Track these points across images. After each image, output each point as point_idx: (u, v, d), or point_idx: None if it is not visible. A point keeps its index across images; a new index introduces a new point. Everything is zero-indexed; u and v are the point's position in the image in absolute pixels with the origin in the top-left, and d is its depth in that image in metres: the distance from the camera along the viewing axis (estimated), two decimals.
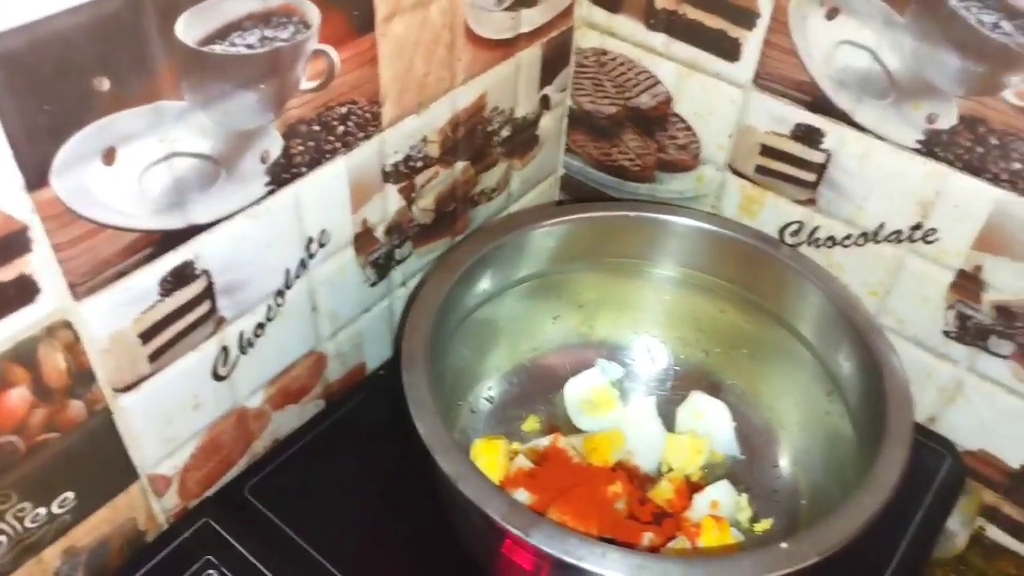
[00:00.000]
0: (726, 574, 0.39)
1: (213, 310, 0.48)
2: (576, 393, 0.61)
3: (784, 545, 0.39)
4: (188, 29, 0.38)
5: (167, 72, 0.39)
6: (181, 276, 0.45)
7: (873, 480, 0.42)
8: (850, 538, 0.40)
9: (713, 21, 0.58)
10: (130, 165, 0.40)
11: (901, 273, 0.58)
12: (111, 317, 0.43)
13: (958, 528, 0.60)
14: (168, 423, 0.49)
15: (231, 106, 0.42)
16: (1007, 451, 0.60)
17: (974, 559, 0.63)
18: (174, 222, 0.43)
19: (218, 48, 0.40)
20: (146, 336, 0.45)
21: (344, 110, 0.49)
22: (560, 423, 0.61)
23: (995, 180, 0.51)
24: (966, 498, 0.61)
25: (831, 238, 0.60)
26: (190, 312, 0.47)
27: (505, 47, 0.59)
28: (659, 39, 0.61)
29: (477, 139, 0.61)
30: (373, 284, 0.60)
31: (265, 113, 0.45)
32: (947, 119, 0.51)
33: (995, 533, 0.64)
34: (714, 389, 0.61)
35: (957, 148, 0.52)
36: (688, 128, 0.64)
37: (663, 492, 0.55)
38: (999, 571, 0.63)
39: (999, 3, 0.46)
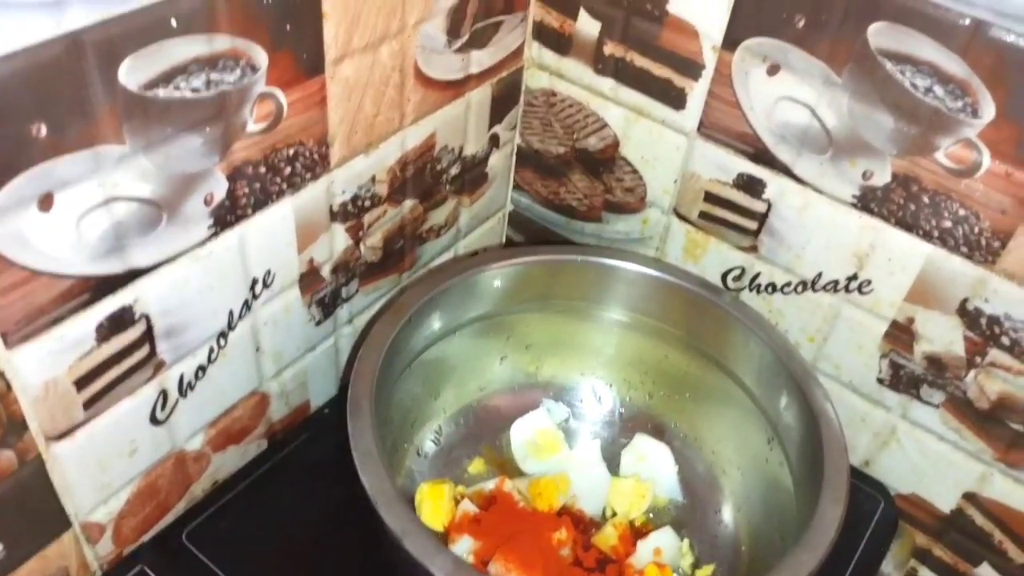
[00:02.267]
0: None
1: (152, 354, 0.47)
2: (522, 435, 0.61)
3: None
4: (131, 73, 0.38)
5: (108, 117, 0.38)
6: (119, 321, 0.44)
7: (810, 537, 0.43)
8: None
9: (660, 70, 0.59)
10: (67, 211, 0.39)
11: (838, 321, 0.60)
12: (45, 365, 0.41)
13: (891, 570, 0.62)
14: (103, 470, 0.48)
15: (174, 149, 0.42)
16: (938, 496, 0.61)
17: None
18: (112, 267, 0.42)
19: (162, 92, 0.40)
20: (81, 383, 0.44)
21: (291, 152, 0.49)
22: (506, 465, 0.61)
23: (927, 236, 0.53)
24: (899, 541, 0.62)
25: (771, 284, 0.62)
26: (127, 357, 0.46)
27: (455, 87, 0.59)
28: (607, 84, 0.62)
29: (426, 178, 0.61)
30: (318, 323, 0.59)
31: (210, 156, 0.44)
32: (882, 176, 0.53)
33: (927, 575, 0.66)
34: (658, 432, 0.62)
35: (891, 204, 0.53)
36: (635, 171, 0.65)
37: (607, 538, 0.55)
38: None
39: (932, 68, 0.48)
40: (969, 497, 0.60)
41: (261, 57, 0.43)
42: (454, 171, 0.64)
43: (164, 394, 0.49)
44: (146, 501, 0.52)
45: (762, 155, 0.57)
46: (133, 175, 0.41)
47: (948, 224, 0.52)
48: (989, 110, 0.47)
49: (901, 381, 0.59)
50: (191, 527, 0.54)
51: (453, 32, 0.55)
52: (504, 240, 0.77)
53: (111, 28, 0.36)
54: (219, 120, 0.43)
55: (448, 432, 0.61)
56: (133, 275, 0.44)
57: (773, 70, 0.54)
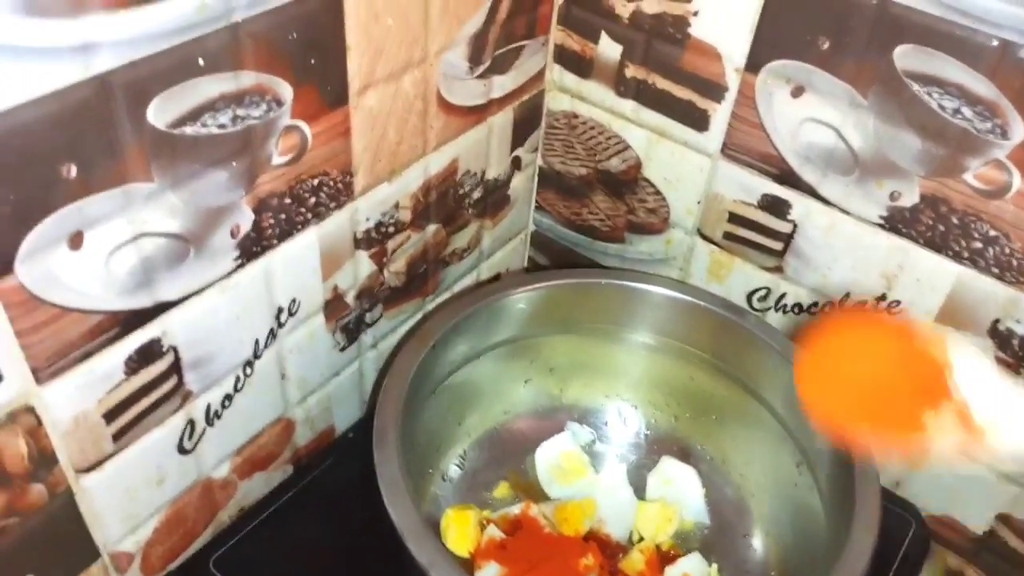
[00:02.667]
0: None
1: (180, 385, 0.47)
2: (547, 459, 0.61)
3: None
4: (159, 113, 0.38)
5: (137, 155, 0.38)
6: (147, 354, 0.44)
7: (843, 567, 0.43)
8: None
9: (682, 92, 0.58)
10: (97, 248, 0.39)
11: None
12: (75, 399, 0.42)
13: None
14: (131, 500, 0.48)
15: (201, 185, 0.42)
16: (970, 517, 0.61)
17: None
18: (141, 301, 0.43)
19: (189, 130, 0.40)
20: (110, 416, 0.44)
21: (316, 182, 0.49)
22: (531, 489, 0.61)
23: (956, 257, 0.52)
24: (931, 562, 0.61)
25: (798, 305, 0.61)
26: (156, 389, 0.46)
27: (477, 112, 0.59)
28: (629, 106, 0.62)
29: (449, 202, 0.61)
30: (343, 348, 0.59)
31: (236, 190, 0.44)
32: (910, 197, 0.52)
33: None
34: (685, 455, 0.62)
35: (919, 225, 0.53)
36: (657, 192, 0.64)
37: (634, 564, 0.55)
38: None
39: (960, 90, 0.47)
40: (1002, 518, 0.59)
41: (286, 91, 0.44)
42: (476, 195, 0.64)
43: (191, 423, 0.50)
44: (173, 529, 0.53)
45: (787, 176, 0.57)
46: (161, 211, 0.41)
47: (978, 245, 0.51)
48: (1019, 131, 0.47)
49: None
50: (218, 554, 0.54)
51: (475, 59, 0.55)
52: (527, 261, 0.77)
53: (139, 69, 0.36)
54: (245, 154, 0.43)
55: (473, 456, 0.61)
56: (161, 308, 0.44)
57: (798, 92, 0.53)
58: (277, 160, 0.46)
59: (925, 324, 0.39)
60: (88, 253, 0.39)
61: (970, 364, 0.39)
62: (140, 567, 0.52)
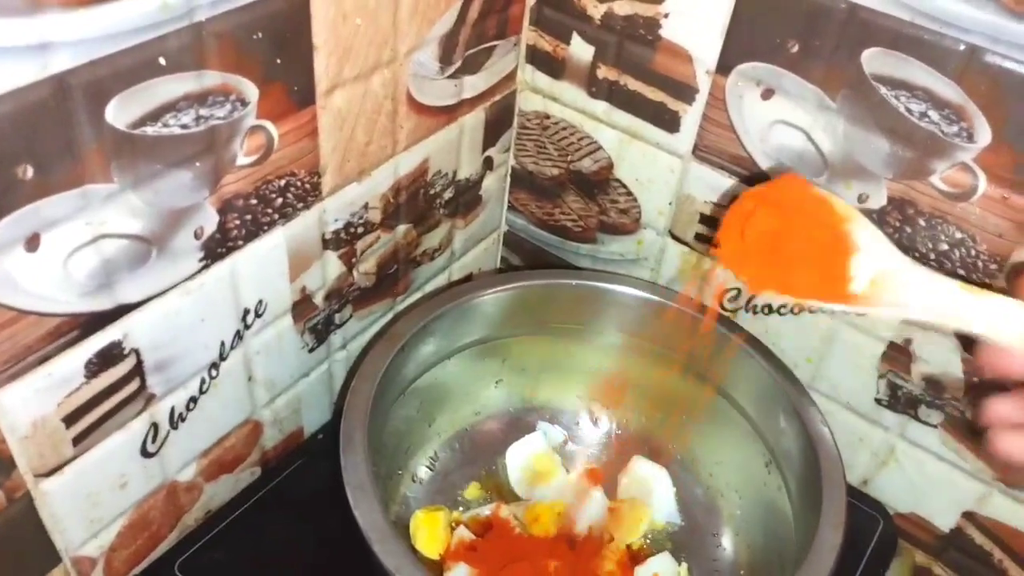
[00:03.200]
0: None
1: (142, 388, 0.47)
2: (518, 460, 0.61)
3: None
4: (119, 113, 0.37)
5: (96, 156, 0.38)
6: (108, 357, 0.44)
7: (810, 564, 0.43)
8: None
9: (653, 93, 0.58)
10: (55, 250, 0.38)
11: (835, 342, 0.59)
12: (33, 403, 0.41)
13: None
14: (93, 504, 0.48)
15: (164, 185, 0.41)
16: (937, 515, 0.61)
17: None
18: (101, 304, 0.42)
19: (150, 130, 0.39)
20: (70, 419, 0.43)
21: (283, 183, 0.48)
22: (502, 489, 0.60)
23: (923, 259, 0.53)
24: (899, 560, 0.62)
25: (768, 306, 0.61)
26: (117, 392, 0.45)
27: (448, 112, 0.59)
28: (601, 107, 0.62)
29: (419, 202, 0.61)
30: (312, 349, 0.59)
31: (199, 191, 0.44)
32: (877, 199, 0.53)
33: None
34: (656, 455, 0.62)
35: (887, 227, 0.53)
36: (629, 193, 0.64)
37: (605, 564, 0.55)
38: None
39: (927, 94, 0.47)
40: (968, 516, 0.60)
41: (251, 91, 0.43)
42: (448, 195, 0.64)
43: (155, 427, 0.49)
44: (138, 533, 0.52)
45: (757, 178, 0.57)
46: (122, 212, 0.40)
47: (945, 247, 0.52)
48: (985, 135, 0.47)
49: (899, 401, 0.59)
50: (184, 558, 0.54)
51: (446, 59, 0.55)
52: (499, 262, 0.76)
53: (98, 69, 0.35)
54: (209, 155, 0.43)
55: (443, 457, 0.61)
56: (123, 310, 0.43)
57: (767, 94, 0.53)
58: (242, 160, 0.45)
59: (837, 199, 0.42)
60: (45, 255, 0.38)
61: (870, 233, 0.42)
62: (103, 572, 0.51)
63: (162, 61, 0.38)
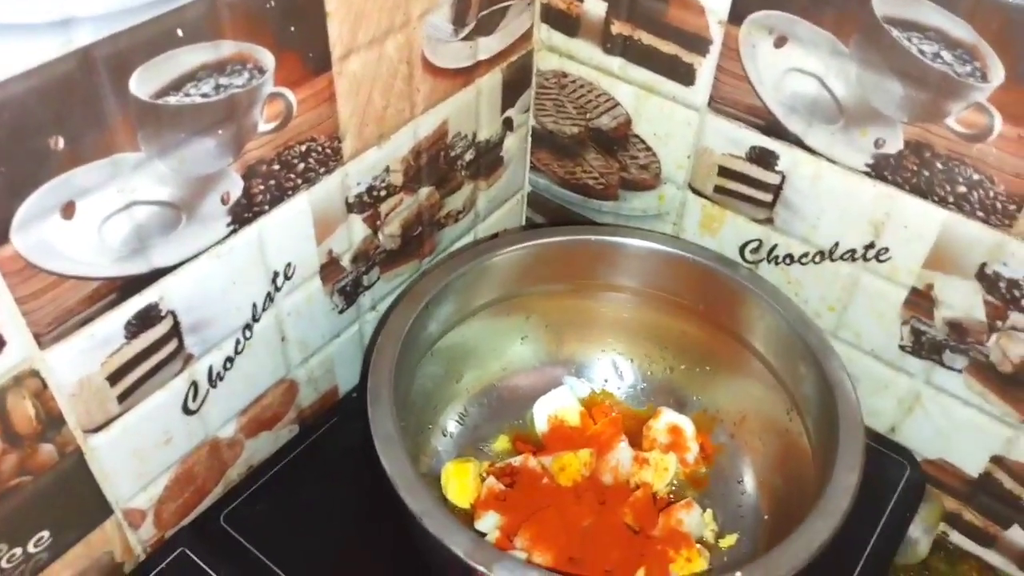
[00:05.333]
0: None
1: (180, 348, 0.49)
2: (545, 412, 0.62)
3: (738, 574, 0.40)
4: (142, 84, 0.39)
5: (122, 126, 0.40)
6: (146, 318, 0.46)
7: (825, 505, 0.44)
8: (801, 566, 0.41)
9: (667, 47, 0.59)
10: (89, 217, 0.40)
11: (857, 290, 0.59)
12: (78, 363, 0.44)
13: (920, 535, 0.62)
14: (140, 459, 0.50)
15: (189, 153, 0.43)
16: (965, 460, 0.61)
17: (937, 564, 0.65)
18: (136, 268, 0.44)
19: (173, 100, 0.41)
20: (114, 378, 0.46)
21: (304, 148, 0.50)
22: (530, 442, 0.62)
23: (942, 202, 0.52)
24: (928, 505, 0.62)
25: (789, 256, 0.62)
26: (157, 352, 0.48)
27: (464, 75, 0.60)
28: (616, 63, 0.62)
29: (440, 165, 0.62)
30: (341, 311, 0.61)
31: (223, 157, 0.46)
32: (894, 144, 0.52)
33: (958, 538, 0.66)
34: (680, 404, 0.63)
35: (904, 172, 0.53)
36: (648, 149, 0.65)
37: (631, 510, 0.56)
38: (961, 575, 0.65)
39: (939, 34, 0.47)
40: (997, 460, 0.60)
41: (268, 59, 0.45)
42: (469, 156, 0.65)
43: (195, 385, 0.52)
44: (184, 487, 0.55)
45: (773, 127, 0.57)
46: (150, 180, 0.42)
47: (963, 189, 0.51)
48: (998, 74, 0.46)
49: (923, 347, 0.59)
50: (228, 510, 0.56)
51: (459, 21, 0.56)
52: (524, 221, 0.77)
53: (119, 42, 0.37)
54: (230, 122, 0.45)
55: (472, 412, 0.63)
56: (157, 274, 0.46)
57: (780, 42, 0.53)
58: (263, 127, 0.47)
59: None
60: (81, 222, 0.40)
61: None
62: (153, 523, 0.54)
63: (180, 32, 0.39)
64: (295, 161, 0.50)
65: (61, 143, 0.37)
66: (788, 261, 0.62)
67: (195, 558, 0.54)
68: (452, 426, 0.62)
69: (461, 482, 0.57)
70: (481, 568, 0.41)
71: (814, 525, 0.43)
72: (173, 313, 0.48)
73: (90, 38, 0.36)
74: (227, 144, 0.45)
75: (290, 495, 0.58)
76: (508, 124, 0.68)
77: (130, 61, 0.38)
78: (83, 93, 0.37)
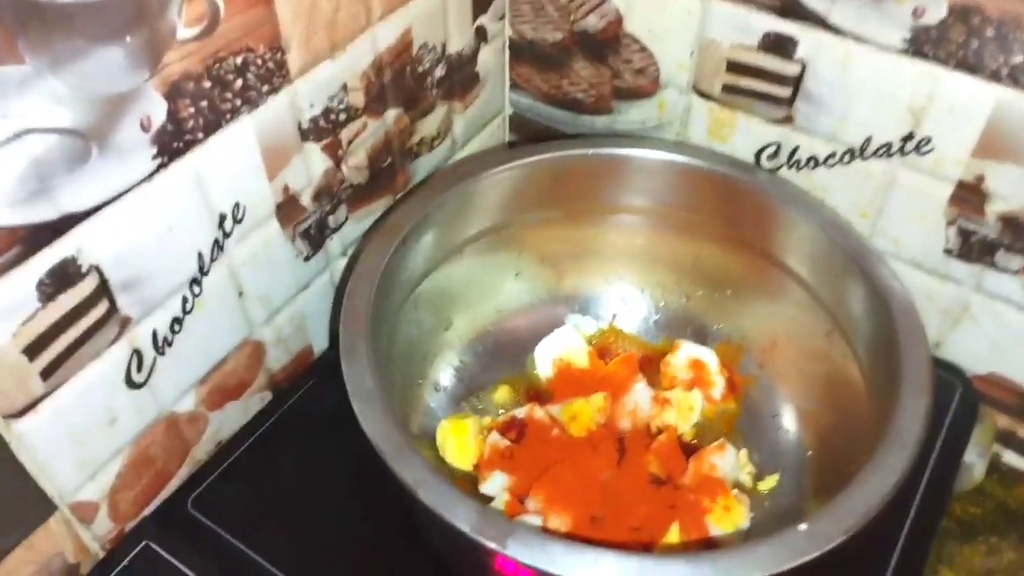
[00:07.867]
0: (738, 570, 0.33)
1: (113, 310, 0.42)
2: (549, 356, 0.56)
3: (803, 527, 0.34)
4: None
5: None
6: (63, 276, 0.38)
7: (895, 436, 0.37)
8: (878, 507, 0.35)
9: None
10: None
11: (893, 190, 0.52)
12: None
13: (975, 459, 0.56)
14: (80, 444, 0.43)
15: (89, 66, 0.35)
16: (1020, 372, 0.55)
17: (992, 488, 0.59)
18: (42, 213, 0.36)
19: None
20: (32, 350, 0.39)
21: (240, 60, 0.42)
22: (534, 390, 0.55)
23: (994, 77, 0.45)
24: (980, 426, 0.56)
25: (813, 158, 0.54)
26: (83, 316, 0.40)
27: None
28: None
29: (407, 82, 0.54)
30: (307, 258, 0.53)
31: (136, 71, 0.37)
32: (936, 12, 0.45)
33: (1012, 458, 0.60)
34: (700, 336, 0.56)
35: (949, 44, 0.45)
36: (643, 49, 0.57)
37: (655, 458, 0.50)
38: (1018, 499, 0.59)
39: None
40: None
41: None
42: (439, 73, 0.57)
43: (138, 354, 0.44)
44: (141, 472, 0.48)
45: (790, 7, 0.49)
46: (43, 100, 0.34)
47: (1019, 59, 0.44)
48: None
49: (972, 249, 0.52)
50: (196, 494, 0.50)
51: None
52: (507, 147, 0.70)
53: None
54: (140, 27, 0.36)
55: (467, 362, 0.56)
56: (70, 221, 0.38)
57: None
58: (183, 33, 0.39)
59: None
60: None
61: None
62: (109, 515, 0.47)
63: None
64: (230, 77, 0.42)
65: None
66: (812, 165, 0.55)
67: (161, 551, 0.47)
68: (445, 379, 0.55)
69: (460, 441, 0.51)
70: (492, 544, 0.34)
71: (886, 459, 0.36)
72: (97, 268, 0.40)
73: None
74: (139, 54, 0.37)
75: (265, 470, 0.51)
76: (481, 34, 0.59)
77: None
78: None
